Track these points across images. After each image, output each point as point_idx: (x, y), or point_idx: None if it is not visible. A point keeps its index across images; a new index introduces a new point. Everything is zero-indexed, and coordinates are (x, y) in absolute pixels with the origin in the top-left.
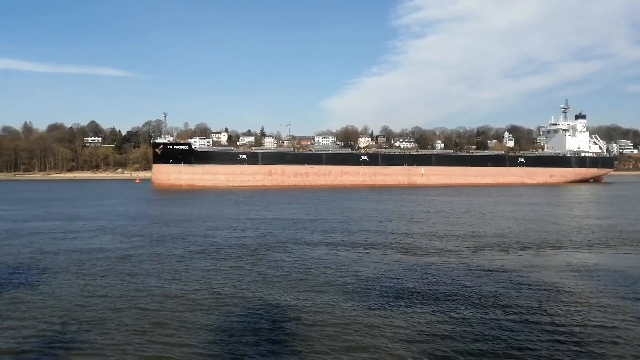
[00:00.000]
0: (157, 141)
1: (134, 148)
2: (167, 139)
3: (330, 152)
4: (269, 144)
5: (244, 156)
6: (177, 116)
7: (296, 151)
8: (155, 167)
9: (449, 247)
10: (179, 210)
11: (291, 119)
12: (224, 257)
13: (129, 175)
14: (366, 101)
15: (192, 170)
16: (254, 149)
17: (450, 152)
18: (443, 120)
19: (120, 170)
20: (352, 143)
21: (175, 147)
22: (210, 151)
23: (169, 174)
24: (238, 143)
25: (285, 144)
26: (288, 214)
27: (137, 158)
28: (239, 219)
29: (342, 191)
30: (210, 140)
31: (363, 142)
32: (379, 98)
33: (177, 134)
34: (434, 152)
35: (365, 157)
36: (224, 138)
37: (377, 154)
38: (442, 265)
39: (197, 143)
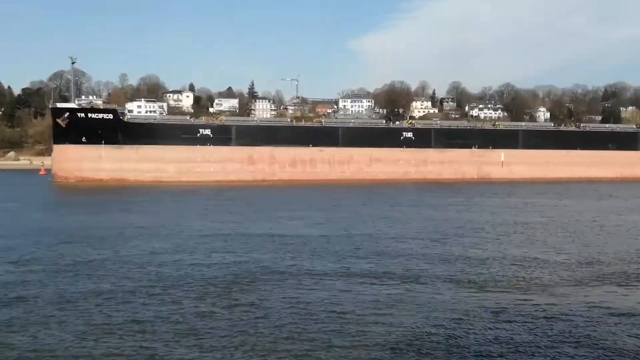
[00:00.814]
0: (59, 105)
1: (36, 117)
2: (86, 101)
3: (350, 125)
4: (262, 110)
5: (208, 132)
6: (109, 66)
7: (295, 124)
8: (58, 149)
9: (539, 278)
10: (101, 222)
11: (301, 70)
12: (177, 298)
13: (28, 162)
14: (426, 41)
15: (121, 154)
16: (224, 120)
17: (549, 125)
18: (550, 74)
19: (12, 154)
20: (402, 110)
21: (91, 115)
22: (152, 123)
23: (81, 162)
24: (212, 109)
25: (289, 111)
26: (284, 227)
27: (42, 134)
28: (204, 235)
29: (371, 190)
30: (164, 104)
31: (419, 108)
32: (446, 36)
33: (109, 93)
34: (522, 125)
35: (409, 134)
36: (187, 101)
37: (428, 129)
38: (525, 308)
39: (142, 108)
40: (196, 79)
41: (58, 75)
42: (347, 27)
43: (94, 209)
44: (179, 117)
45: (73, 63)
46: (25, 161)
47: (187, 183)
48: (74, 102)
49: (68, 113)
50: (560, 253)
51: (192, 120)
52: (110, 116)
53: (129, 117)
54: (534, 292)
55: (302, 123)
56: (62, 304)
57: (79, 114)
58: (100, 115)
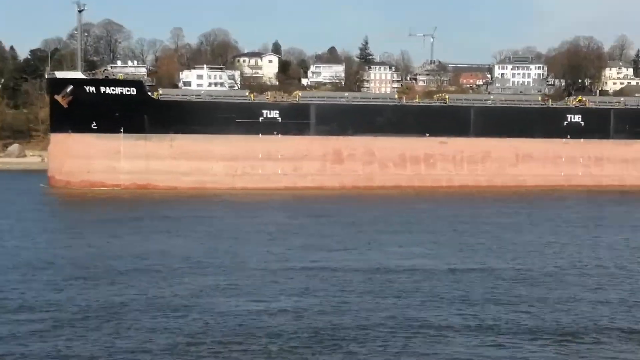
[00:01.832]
0: (58, 75)
1: (49, 93)
2: (118, 66)
3: (488, 104)
4: (380, 82)
5: (275, 114)
6: (157, 17)
7: (405, 102)
8: (57, 140)
9: None
10: (122, 250)
11: (438, 23)
12: None
13: (39, 159)
14: None
15: (147, 148)
16: (301, 97)
17: None
18: None
19: (15, 148)
20: (590, 81)
21: (104, 89)
22: (193, 101)
23: (90, 160)
24: (305, 81)
25: (421, 82)
26: (389, 257)
27: None
28: (272, 270)
29: (519, 202)
30: (236, 72)
31: (614, 77)
32: None
33: (157, 57)
34: None
35: (577, 118)
36: (270, 68)
37: (606, 110)
38: None
39: (204, 79)
40: (283, 36)
41: (73, 37)
42: None
43: (109, 229)
44: (232, 91)
45: (80, 11)
46: (34, 158)
47: (244, 191)
48: (80, 70)
49: (71, 87)
50: None
51: (253, 98)
52: (133, 91)
53: (160, 93)
54: None
55: (415, 101)
56: None
57: (86, 88)
58: (119, 90)
